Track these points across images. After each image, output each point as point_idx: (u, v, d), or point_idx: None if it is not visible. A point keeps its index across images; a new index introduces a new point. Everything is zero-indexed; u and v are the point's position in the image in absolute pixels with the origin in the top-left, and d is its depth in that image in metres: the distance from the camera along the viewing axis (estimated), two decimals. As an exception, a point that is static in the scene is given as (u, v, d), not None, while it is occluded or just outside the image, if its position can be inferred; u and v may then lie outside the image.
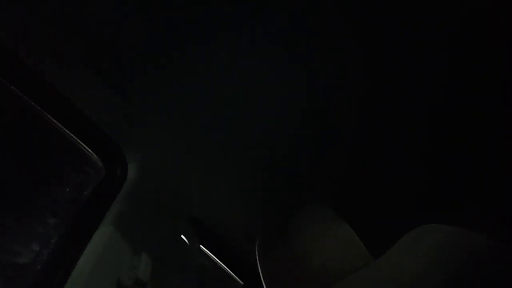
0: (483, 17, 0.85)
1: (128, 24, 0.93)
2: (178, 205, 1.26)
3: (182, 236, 1.21)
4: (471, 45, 0.90)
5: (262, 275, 0.87)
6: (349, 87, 1.03)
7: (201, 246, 1.36)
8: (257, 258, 0.91)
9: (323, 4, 0.87)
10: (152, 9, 0.90)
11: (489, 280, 0.57)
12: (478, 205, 1.18)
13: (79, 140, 1.06)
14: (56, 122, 1.02)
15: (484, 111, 1.01)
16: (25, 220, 0.97)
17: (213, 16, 0.90)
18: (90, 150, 1.08)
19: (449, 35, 0.90)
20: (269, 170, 1.26)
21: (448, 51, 0.93)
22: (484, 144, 1.07)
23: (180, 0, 0.88)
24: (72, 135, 1.05)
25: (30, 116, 1.00)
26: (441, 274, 0.60)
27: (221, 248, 1.45)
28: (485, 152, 1.09)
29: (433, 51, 0.93)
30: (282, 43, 0.96)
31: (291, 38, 0.94)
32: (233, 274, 1.50)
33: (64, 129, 1.03)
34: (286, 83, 1.04)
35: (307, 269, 0.84)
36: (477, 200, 1.19)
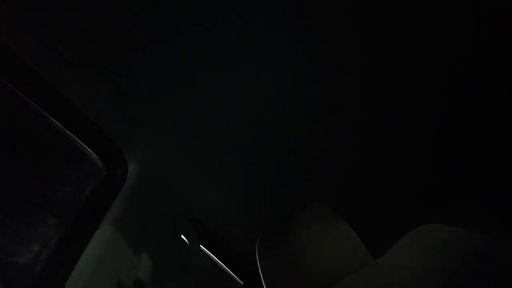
0: (483, 17, 0.85)
1: (128, 25, 0.93)
2: (178, 205, 1.26)
3: (182, 236, 1.21)
4: (471, 44, 0.90)
5: (262, 275, 0.87)
6: (349, 88, 1.03)
7: (201, 246, 1.36)
8: (257, 258, 0.91)
9: (326, 3, 0.87)
10: (152, 10, 0.90)
11: (489, 280, 0.57)
12: (478, 205, 1.18)
13: (79, 140, 1.06)
14: (56, 122, 1.02)
15: (484, 111, 1.01)
16: (25, 220, 0.97)
17: (213, 17, 0.90)
18: (90, 150, 1.08)
19: (452, 35, 0.90)
20: (270, 170, 1.26)
21: (448, 51, 0.93)
22: (484, 144, 1.07)
23: (180, 1, 0.88)
24: (72, 135, 1.05)
25: (30, 116, 1.00)
26: (441, 273, 0.60)
27: (221, 248, 1.45)
28: (485, 152, 1.09)
29: (434, 51, 0.93)
30: (282, 44, 0.96)
31: (290, 40, 0.94)
32: (233, 274, 1.51)
33: (64, 129, 1.04)
34: (287, 84, 1.04)
35: (307, 269, 0.84)
36: (477, 200, 1.19)
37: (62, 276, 0.78)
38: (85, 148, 1.08)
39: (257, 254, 0.92)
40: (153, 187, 1.15)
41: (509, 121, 1.01)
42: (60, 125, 1.03)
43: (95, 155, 1.09)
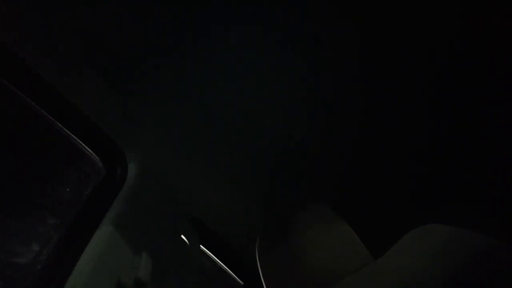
0: (480, 16, 0.85)
1: (128, 24, 0.94)
2: (178, 205, 1.26)
3: (182, 236, 1.21)
4: (470, 44, 0.90)
5: (262, 275, 0.87)
6: (349, 88, 1.03)
7: (201, 246, 1.36)
8: (257, 258, 0.91)
9: (326, 3, 0.87)
10: (152, 9, 0.90)
11: (488, 280, 0.57)
12: (478, 205, 1.18)
13: (79, 140, 1.06)
14: (56, 122, 1.02)
15: (484, 111, 1.01)
16: (25, 220, 0.98)
17: (213, 17, 0.90)
18: (90, 150, 1.08)
19: (449, 34, 0.90)
20: (269, 170, 1.26)
21: (447, 51, 0.93)
22: (484, 144, 1.07)
23: (180, 2, 0.88)
24: (72, 135, 1.05)
25: (30, 116, 1.00)
26: (441, 273, 0.60)
27: (221, 248, 1.45)
28: (485, 152, 1.09)
29: (432, 50, 0.93)
30: (282, 45, 0.96)
31: (290, 40, 0.94)
32: (233, 274, 1.51)
33: (64, 129, 1.03)
34: (286, 85, 1.04)
35: (307, 269, 0.84)
36: (477, 200, 1.19)
37: (62, 276, 0.78)
38: (85, 148, 1.08)
39: (257, 254, 0.92)
40: (153, 187, 1.15)
41: (509, 121, 1.01)
42: (60, 125, 1.02)
43: (95, 155, 1.09)
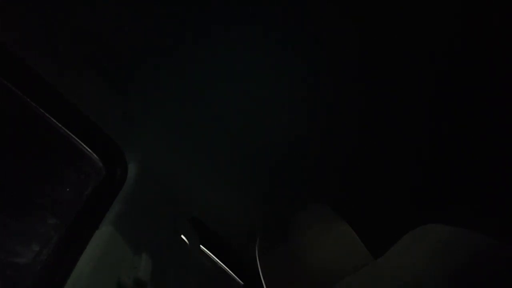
0: (480, 16, 0.85)
1: (128, 24, 0.93)
2: (178, 205, 1.26)
3: (182, 236, 1.21)
4: (470, 44, 0.90)
5: (262, 275, 0.87)
6: (349, 88, 1.03)
7: (201, 246, 1.36)
8: (257, 258, 0.91)
9: (326, 3, 0.87)
10: (152, 9, 0.90)
11: (488, 280, 0.57)
12: (478, 205, 1.18)
13: (79, 140, 1.06)
14: (56, 122, 1.02)
15: (484, 111, 1.01)
16: (25, 220, 0.97)
17: (213, 17, 0.90)
18: (90, 150, 1.08)
19: (449, 34, 0.90)
20: (270, 170, 1.26)
21: (447, 51, 0.93)
22: (484, 144, 1.07)
23: (180, 2, 0.88)
24: (72, 135, 1.05)
25: (30, 116, 1.00)
26: (441, 273, 0.60)
27: (221, 248, 1.45)
28: (485, 152, 1.09)
29: (432, 50, 0.93)
30: (281, 45, 0.96)
31: (290, 40, 0.94)
32: (233, 274, 1.51)
33: (64, 129, 1.04)
34: (286, 85, 1.04)
35: (307, 269, 0.84)
36: (477, 200, 1.19)
37: (62, 276, 0.78)
38: (85, 148, 1.08)
39: (257, 254, 0.92)
40: (153, 187, 1.15)
41: (509, 121, 1.01)
42: (60, 125, 1.03)
43: (95, 155, 1.09)
